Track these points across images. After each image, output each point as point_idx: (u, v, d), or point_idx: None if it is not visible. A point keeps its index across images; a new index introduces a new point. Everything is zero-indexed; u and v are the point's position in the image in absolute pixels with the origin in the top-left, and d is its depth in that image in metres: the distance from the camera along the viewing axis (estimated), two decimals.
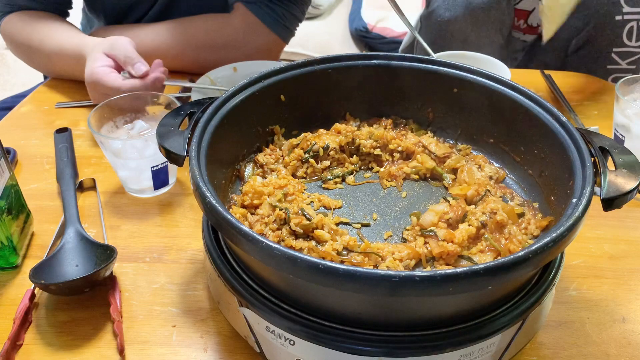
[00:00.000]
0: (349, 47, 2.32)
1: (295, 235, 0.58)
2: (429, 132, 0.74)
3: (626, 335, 0.60)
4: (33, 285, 0.62)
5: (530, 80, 1.14)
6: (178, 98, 0.99)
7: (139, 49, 1.10)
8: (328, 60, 0.71)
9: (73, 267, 0.63)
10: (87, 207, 0.77)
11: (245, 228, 0.46)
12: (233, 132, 0.65)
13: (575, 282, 0.66)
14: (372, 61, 0.72)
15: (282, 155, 0.70)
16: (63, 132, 0.89)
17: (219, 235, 0.58)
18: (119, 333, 0.58)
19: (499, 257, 0.53)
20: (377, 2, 2.41)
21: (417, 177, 0.69)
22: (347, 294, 0.46)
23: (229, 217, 0.47)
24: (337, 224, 0.61)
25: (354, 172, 0.70)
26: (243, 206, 0.61)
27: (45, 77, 1.25)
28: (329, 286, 0.44)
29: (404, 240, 0.60)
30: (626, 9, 1.18)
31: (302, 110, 0.73)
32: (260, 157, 0.69)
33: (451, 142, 0.74)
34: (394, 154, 0.71)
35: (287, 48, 1.24)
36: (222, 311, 0.60)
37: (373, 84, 0.73)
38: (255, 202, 0.61)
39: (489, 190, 0.64)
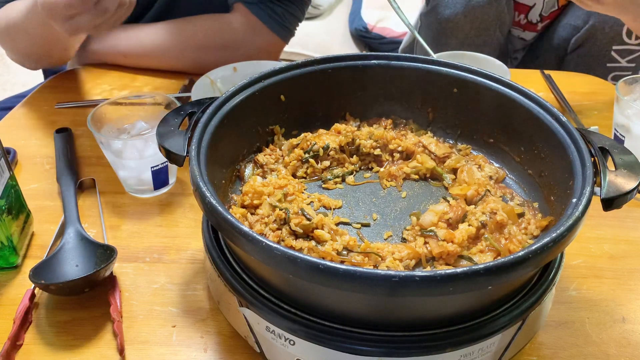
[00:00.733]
0: (349, 47, 2.32)
1: (295, 235, 0.58)
2: (429, 132, 0.74)
3: (626, 335, 0.60)
4: (33, 285, 0.62)
5: (530, 80, 1.14)
6: (178, 98, 0.99)
7: (139, 49, 1.11)
8: (328, 60, 0.71)
9: (73, 267, 0.63)
10: (87, 207, 0.77)
11: (245, 228, 0.46)
12: (233, 132, 0.65)
13: (575, 282, 0.66)
14: (372, 61, 0.72)
15: (282, 155, 0.70)
16: (63, 132, 0.89)
17: (219, 235, 0.58)
18: (119, 333, 0.58)
19: (499, 257, 0.53)
20: (377, 2, 2.41)
21: (417, 177, 0.69)
22: (347, 294, 0.46)
23: (229, 217, 0.47)
24: (337, 224, 0.61)
25: (354, 172, 0.70)
26: (243, 206, 0.61)
27: (45, 77, 1.25)
28: (329, 286, 0.44)
29: (404, 240, 0.60)
30: None
31: (302, 110, 0.73)
32: (260, 157, 0.69)
33: (451, 142, 0.74)
34: (394, 154, 0.71)
35: (287, 48, 1.24)
36: (222, 311, 0.60)
37: (373, 84, 0.73)
38: (255, 202, 0.61)
39: (489, 190, 0.64)
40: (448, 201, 0.63)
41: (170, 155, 0.57)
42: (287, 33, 1.14)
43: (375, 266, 0.55)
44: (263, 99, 0.68)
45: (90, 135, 0.91)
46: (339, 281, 0.42)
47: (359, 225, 0.62)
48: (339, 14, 2.51)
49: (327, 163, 0.69)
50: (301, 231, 0.57)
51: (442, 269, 0.42)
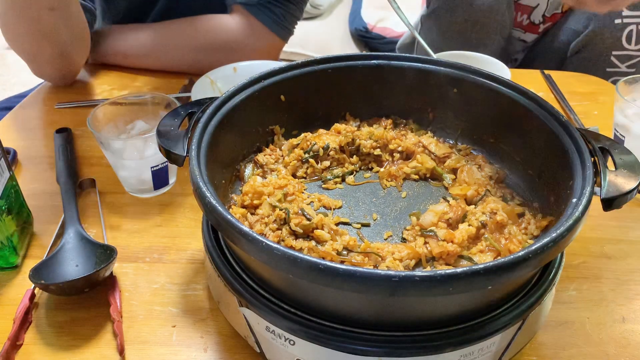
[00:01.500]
0: (349, 47, 2.33)
1: (295, 235, 0.58)
2: (429, 132, 0.74)
3: (626, 335, 0.60)
4: (33, 285, 0.62)
5: (530, 80, 1.14)
6: (178, 98, 0.99)
7: (139, 49, 1.11)
8: (328, 60, 0.71)
9: (73, 267, 0.63)
10: (87, 207, 0.77)
11: (245, 228, 0.46)
12: (233, 132, 0.65)
13: (575, 282, 0.66)
14: (372, 61, 0.72)
15: (282, 155, 0.70)
16: (63, 132, 0.89)
17: (219, 235, 0.58)
18: (119, 333, 0.58)
19: (499, 257, 0.53)
20: (377, 2, 2.41)
21: (417, 177, 0.69)
22: (347, 294, 0.46)
23: (229, 217, 0.47)
24: (337, 224, 0.61)
25: (354, 172, 0.70)
26: (243, 206, 0.61)
27: None
28: (329, 286, 0.44)
29: (404, 240, 0.60)
30: (626, 12, 1.18)
31: (302, 110, 0.73)
32: (260, 157, 0.69)
33: (451, 142, 0.74)
34: (394, 154, 0.71)
35: (287, 48, 1.24)
36: (222, 311, 0.60)
37: (373, 84, 0.73)
38: (255, 202, 0.61)
39: (489, 190, 0.64)
40: (448, 201, 0.63)
41: (170, 155, 0.57)
42: (287, 33, 1.14)
43: (375, 266, 0.55)
44: (263, 99, 0.68)
45: (90, 135, 0.91)
46: (339, 281, 0.42)
47: (359, 225, 0.62)
48: (339, 14, 2.52)
49: (327, 163, 0.69)
50: (301, 231, 0.57)
51: (442, 269, 0.42)
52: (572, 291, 0.65)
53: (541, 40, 1.42)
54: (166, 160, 0.59)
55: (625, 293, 0.65)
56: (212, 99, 0.64)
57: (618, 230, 0.74)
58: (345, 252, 0.56)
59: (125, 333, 0.59)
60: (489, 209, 0.59)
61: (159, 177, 0.77)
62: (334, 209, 0.64)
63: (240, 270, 0.54)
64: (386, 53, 0.73)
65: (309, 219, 0.58)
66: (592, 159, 0.55)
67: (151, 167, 0.75)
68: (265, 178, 0.65)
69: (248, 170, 0.68)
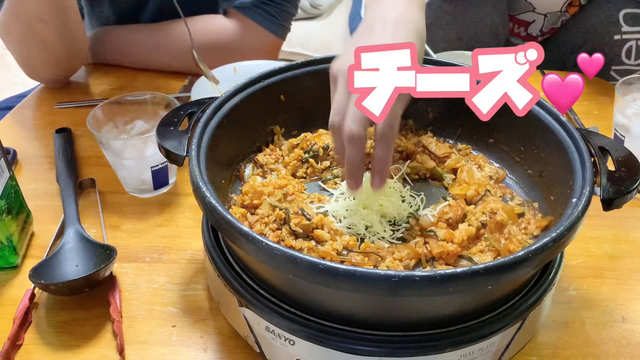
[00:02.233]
0: None
1: (295, 235, 0.58)
2: (429, 132, 0.74)
3: (626, 335, 0.60)
4: (33, 285, 0.62)
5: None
6: (178, 98, 0.99)
7: (138, 49, 1.11)
8: (328, 60, 0.71)
9: (73, 267, 0.63)
10: (87, 207, 0.77)
11: (245, 228, 0.46)
12: (233, 132, 0.65)
13: (575, 282, 0.66)
14: None
15: (282, 155, 0.70)
16: (63, 132, 0.89)
17: (219, 235, 0.58)
18: (119, 333, 0.58)
19: (499, 257, 0.54)
20: None
21: (417, 177, 0.69)
22: (347, 294, 0.46)
23: (229, 217, 0.47)
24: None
25: None
26: (243, 206, 0.61)
27: None
28: (329, 286, 0.44)
29: (404, 240, 0.60)
30: (625, 28, 1.18)
31: (302, 110, 0.73)
32: (260, 157, 0.69)
33: (451, 142, 0.74)
34: (394, 154, 0.71)
35: (287, 48, 1.25)
36: (222, 311, 0.60)
37: None
38: (255, 202, 0.61)
39: (488, 190, 0.64)
40: (448, 201, 0.63)
41: (170, 155, 0.57)
42: (284, 31, 1.15)
43: (375, 266, 0.55)
44: (263, 99, 0.68)
45: (90, 135, 0.91)
46: (339, 281, 0.42)
47: None
48: (339, 14, 2.51)
49: (327, 163, 0.69)
50: (301, 231, 0.57)
51: (442, 269, 0.42)
52: (572, 291, 0.65)
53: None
54: (166, 160, 0.59)
55: (625, 293, 0.65)
56: (212, 99, 0.64)
57: (618, 230, 0.74)
58: (345, 252, 0.56)
59: (125, 333, 0.59)
60: (488, 209, 0.59)
61: (159, 177, 0.77)
62: None
63: (240, 270, 0.54)
64: None
65: (309, 219, 0.57)
66: (592, 159, 0.55)
67: (151, 167, 0.75)
68: (265, 178, 0.65)
69: (248, 170, 0.68)
